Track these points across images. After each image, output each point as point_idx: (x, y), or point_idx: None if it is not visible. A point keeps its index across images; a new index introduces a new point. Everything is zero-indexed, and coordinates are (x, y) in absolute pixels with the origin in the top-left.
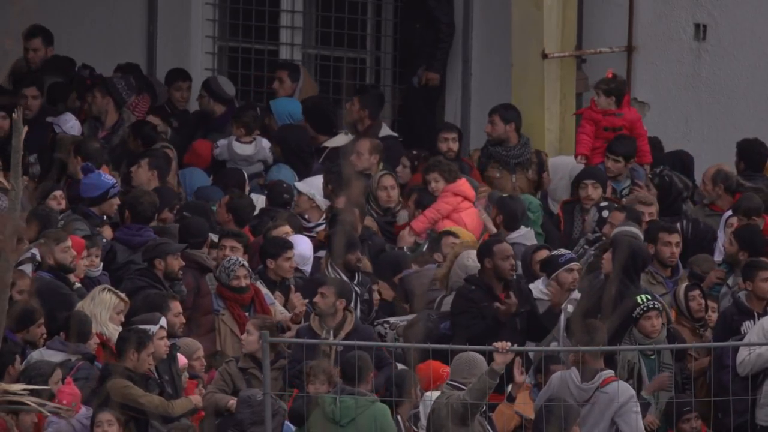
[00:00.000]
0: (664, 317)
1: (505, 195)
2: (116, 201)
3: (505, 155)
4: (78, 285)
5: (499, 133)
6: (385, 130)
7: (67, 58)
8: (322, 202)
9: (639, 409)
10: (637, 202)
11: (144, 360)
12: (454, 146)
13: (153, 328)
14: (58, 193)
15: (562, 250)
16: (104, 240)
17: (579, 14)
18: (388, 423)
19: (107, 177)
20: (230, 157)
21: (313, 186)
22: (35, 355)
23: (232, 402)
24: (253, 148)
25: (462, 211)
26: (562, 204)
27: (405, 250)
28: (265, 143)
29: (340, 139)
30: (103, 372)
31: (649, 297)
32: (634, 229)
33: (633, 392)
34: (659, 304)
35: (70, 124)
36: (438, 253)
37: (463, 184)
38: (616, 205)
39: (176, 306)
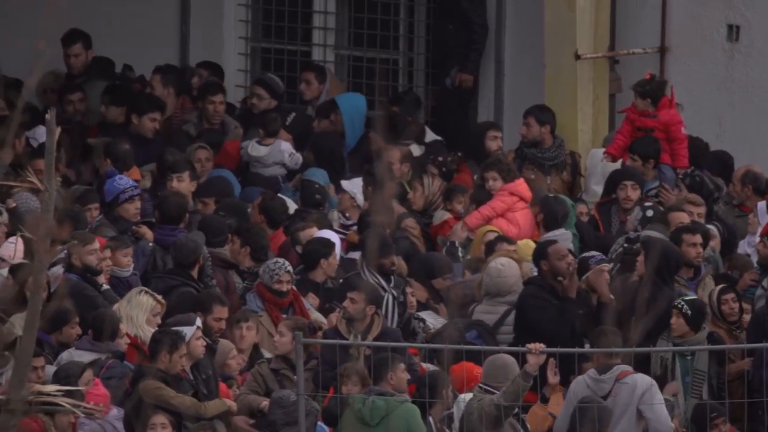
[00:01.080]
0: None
1: (550, 195)
2: (133, 205)
3: (540, 157)
4: (106, 287)
5: (534, 134)
6: (430, 135)
7: (107, 60)
8: (362, 202)
9: (662, 398)
10: (685, 203)
11: (176, 361)
12: (502, 145)
13: (188, 329)
14: (94, 205)
15: (593, 251)
16: (150, 244)
17: (612, 15)
18: (417, 424)
19: (122, 181)
20: (248, 159)
21: (355, 185)
22: (65, 355)
23: (265, 403)
24: (267, 150)
25: (517, 211)
26: (597, 205)
27: (457, 245)
28: (284, 146)
29: (414, 150)
30: (135, 373)
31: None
32: (657, 233)
33: (652, 381)
34: (681, 304)
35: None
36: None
37: (521, 185)
38: (661, 207)
39: (221, 311)
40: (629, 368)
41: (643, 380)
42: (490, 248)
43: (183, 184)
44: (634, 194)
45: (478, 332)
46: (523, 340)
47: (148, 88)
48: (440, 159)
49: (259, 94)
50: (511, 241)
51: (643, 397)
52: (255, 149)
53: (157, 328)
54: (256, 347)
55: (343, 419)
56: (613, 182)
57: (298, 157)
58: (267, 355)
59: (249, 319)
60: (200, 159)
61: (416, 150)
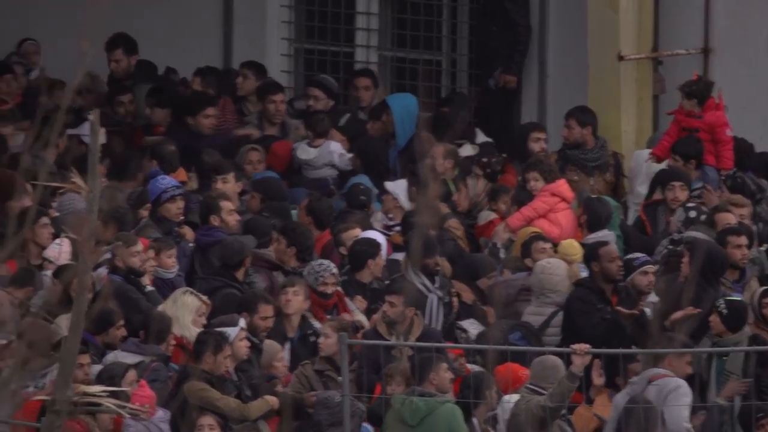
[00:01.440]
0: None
1: (593, 196)
2: (175, 205)
3: (583, 158)
4: (150, 288)
5: (575, 137)
6: (481, 136)
7: (150, 63)
8: (406, 203)
9: (687, 402)
10: (728, 204)
11: (221, 363)
12: (545, 146)
13: (232, 330)
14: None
15: (637, 253)
16: (190, 244)
17: (655, 16)
18: (458, 425)
19: (164, 181)
20: (297, 161)
21: (398, 186)
22: (110, 357)
23: (311, 397)
24: (316, 152)
25: (558, 212)
26: (643, 206)
27: (499, 246)
28: (334, 146)
29: (466, 150)
30: (180, 374)
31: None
32: (701, 234)
33: (681, 384)
34: (720, 303)
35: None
36: (529, 258)
37: (562, 185)
38: (704, 208)
39: (266, 310)
40: (664, 372)
41: (670, 382)
42: (526, 247)
43: (228, 186)
44: (683, 195)
45: (522, 334)
46: (570, 342)
47: (188, 91)
48: (485, 159)
49: (316, 95)
50: (546, 239)
51: (667, 397)
52: (304, 151)
53: (202, 329)
54: (304, 318)
55: (386, 419)
56: (660, 183)
57: (348, 158)
58: (315, 324)
59: (295, 284)
60: (252, 161)
61: (469, 150)
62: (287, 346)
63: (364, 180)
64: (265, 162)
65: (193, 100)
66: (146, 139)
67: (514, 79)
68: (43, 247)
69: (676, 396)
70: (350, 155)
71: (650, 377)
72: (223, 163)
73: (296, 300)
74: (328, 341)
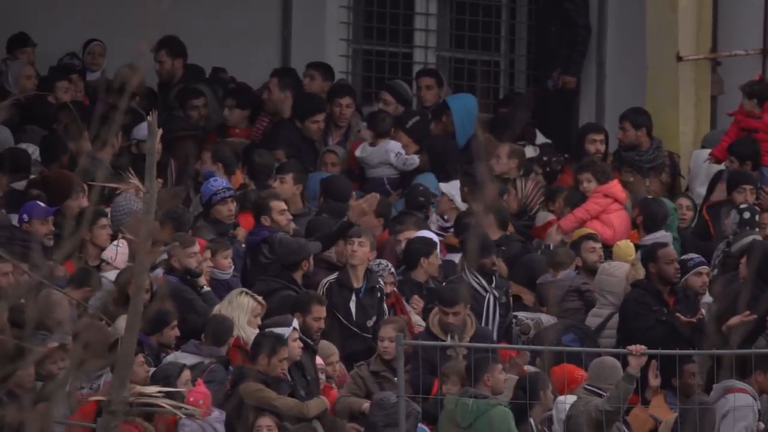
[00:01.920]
0: None
1: (649, 197)
2: (226, 206)
3: (639, 160)
4: (207, 289)
5: (630, 139)
6: (541, 138)
7: (198, 67)
8: (461, 204)
9: (750, 422)
10: None
11: (276, 364)
12: (602, 147)
13: (284, 330)
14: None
15: (693, 254)
16: (242, 245)
17: (714, 17)
18: (509, 427)
19: (216, 183)
20: (360, 161)
21: (453, 187)
22: (170, 357)
23: (366, 405)
24: (372, 150)
25: (611, 213)
26: (706, 207)
27: (552, 247)
28: (391, 146)
29: (528, 151)
30: (236, 375)
31: None
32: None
33: (749, 403)
34: None
35: (144, 133)
36: (578, 258)
37: (615, 186)
38: (758, 209)
39: (319, 310)
40: (741, 385)
41: (740, 399)
42: (576, 246)
43: (286, 186)
44: (751, 197)
45: (576, 335)
46: (625, 344)
47: (265, 93)
48: (545, 159)
49: (386, 99)
50: (597, 238)
51: (727, 415)
52: (363, 150)
53: (258, 329)
54: (370, 271)
55: (440, 420)
56: (727, 184)
57: (408, 158)
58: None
59: (362, 235)
60: (326, 163)
61: (530, 151)
62: (353, 297)
63: (430, 179)
64: (341, 164)
65: (307, 104)
66: (228, 140)
67: (573, 80)
68: (102, 248)
69: (735, 416)
70: (408, 155)
71: (726, 389)
72: (286, 164)
73: (362, 250)
74: (391, 345)
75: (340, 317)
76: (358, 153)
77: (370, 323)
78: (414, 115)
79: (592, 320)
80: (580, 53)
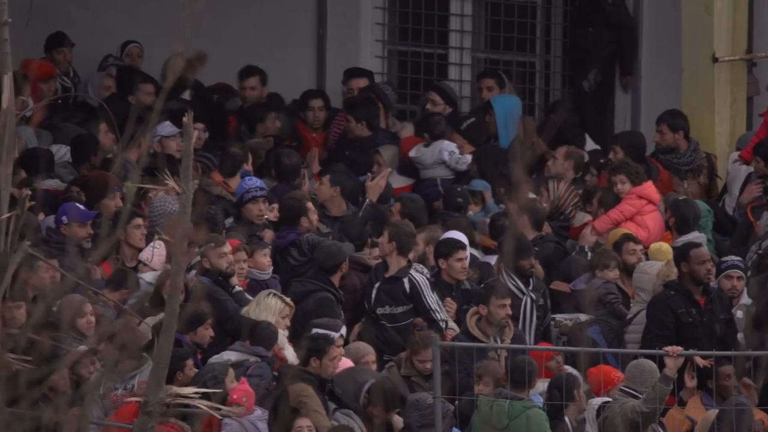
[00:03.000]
0: None
1: (680, 198)
2: (257, 206)
3: (676, 163)
4: (238, 289)
5: (668, 141)
6: (590, 143)
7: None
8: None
9: None
10: None
11: (326, 365)
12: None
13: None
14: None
15: (731, 257)
16: (269, 247)
17: (749, 17)
18: (543, 429)
19: (249, 182)
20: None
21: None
22: (215, 357)
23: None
24: (426, 150)
25: (645, 215)
26: (751, 208)
27: (586, 249)
28: (446, 146)
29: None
30: (281, 374)
31: None
32: None
33: None
34: None
35: (168, 130)
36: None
37: (649, 188)
38: None
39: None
40: None
41: None
42: (618, 247)
43: (323, 188)
44: None
45: (601, 328)
46: (649, 343)
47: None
48: (602, 161)
49: (434, 99)
50: (637, 240)
51: None
52: (417, 150)
53: (286, 331)
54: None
55: (472, 421)
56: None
57: (462, 158)
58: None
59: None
60: (377, 163)
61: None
62: (377, 283)
63: (484, 185)
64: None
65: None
66: (252, 141)
67: (627, 79)
68: (137, 249)
69: None
70: (461, 155)
71: None
72: (325, 167)
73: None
74: (428, 363)
75: (365, 302)
76: (412, 154)
77: (381, 310)
78: (469, 116)
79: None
80: (634, 51)
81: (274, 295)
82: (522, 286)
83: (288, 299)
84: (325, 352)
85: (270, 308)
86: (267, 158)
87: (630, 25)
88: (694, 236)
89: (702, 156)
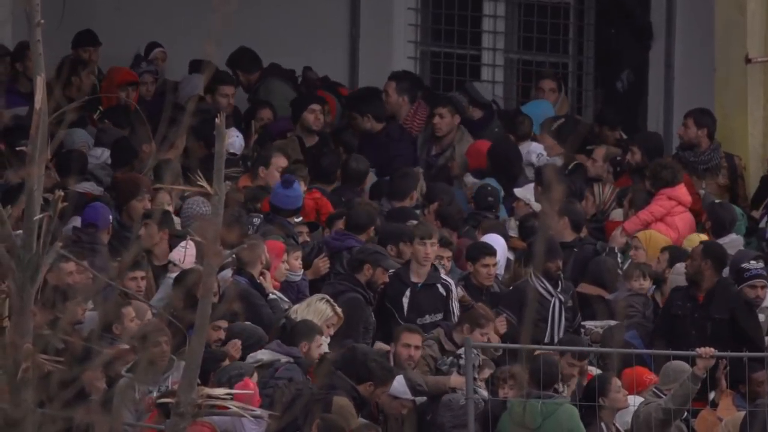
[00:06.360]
0: None
1: (717, 201)
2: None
3: (694, 161)
4: (273, 296)
5: (690, 136)
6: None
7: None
8: (536, 206)
9: None
10: None
11: (378, 395)
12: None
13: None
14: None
15: (755, 265)
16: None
17: None
18: (577, 425)
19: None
20: None
21: (528, 191)
22: (250, 357)
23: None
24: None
25: (675, 215)
26: None
27: (616, 250)
28: (534, 147)
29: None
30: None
31: None
32: None
33: None
34: None
35: (230, 141)
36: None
37: (680, 189)
38: None
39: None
40: None
41: None
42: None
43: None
44: None
45: (638, 332)
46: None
47: (383, 95)
48: (618, 158)
49: (440, 113)
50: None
51: None
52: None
53: (329, 338)
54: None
55: (501, 423)
56: None
57: (550, 160)
58: None
59: (433, 235)
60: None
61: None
62: (407, 292)
63: (492, 183)
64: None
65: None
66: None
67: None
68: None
69: None
70: (550, 157)
71: None
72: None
73: (434, 251)
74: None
75: (394, 311)
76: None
77: (422, 320)
78: (559, 117)
79: None
80: (646, 49)
81: (327, 301)
82: (550, 288)
83: (339, 309)
84: (384, 383)
85: (319, 313)
86: (306, 157)
87: (645, 22)
88: (731, 239)
89: (721, 156)
